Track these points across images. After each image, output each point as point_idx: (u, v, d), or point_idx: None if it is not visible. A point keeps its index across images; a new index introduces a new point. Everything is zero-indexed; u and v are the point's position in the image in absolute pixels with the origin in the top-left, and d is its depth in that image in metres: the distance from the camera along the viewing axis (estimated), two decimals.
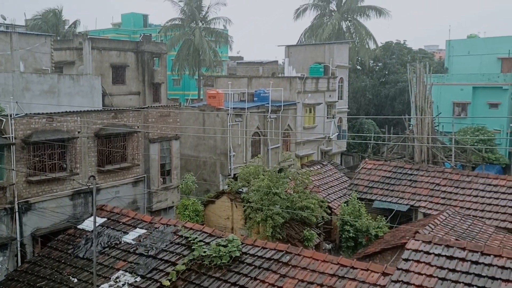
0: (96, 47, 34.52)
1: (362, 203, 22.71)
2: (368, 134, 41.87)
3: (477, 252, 11.87)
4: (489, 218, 20.26)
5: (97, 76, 24.31)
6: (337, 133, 38.91)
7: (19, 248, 17.14)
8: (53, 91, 20.73)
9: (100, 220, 17.77)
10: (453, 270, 11.49)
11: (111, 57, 36.20)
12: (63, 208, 18.29)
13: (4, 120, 16.40)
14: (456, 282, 11.19)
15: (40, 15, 51.16)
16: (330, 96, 38.29)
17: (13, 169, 16.62)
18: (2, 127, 16.41)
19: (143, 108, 22.58)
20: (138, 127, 21.06)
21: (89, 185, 18.19)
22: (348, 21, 51.78)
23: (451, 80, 44.91)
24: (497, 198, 21.27)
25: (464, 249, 12.05)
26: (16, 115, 16.89)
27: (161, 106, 25.18)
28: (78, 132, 18.74)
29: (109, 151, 20.00)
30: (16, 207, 16.88)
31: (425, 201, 22.50)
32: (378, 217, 22.36)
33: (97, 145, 19.53)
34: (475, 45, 48.90)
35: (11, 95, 18.49)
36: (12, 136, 16.53)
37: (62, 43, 36.74)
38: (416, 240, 12.85)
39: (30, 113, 17.50)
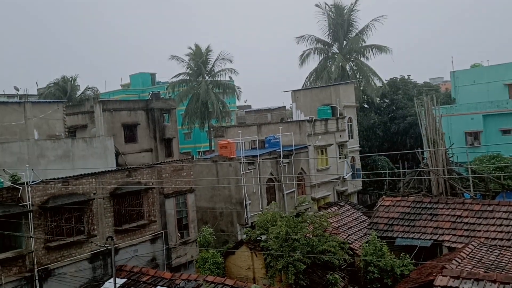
0: (107, 108, 35.26)
1: (383, 242, 22.27)
2: (382, 171, 41.54)
3: (508, 283, 11.50)
4: None
5: (109, 137, 24.68)
6: (351, 173, 38.68)
7: None
8: (68, 155, 21.06)
9: (120, 281, 17.60)
10: None
11: (122, 117, 36.84)
12: (82, 272, 18.17)
13: (21, 188, 16.61)
14: None
15: (53, 83, 52.87)
16: (340, 136, 38.38)
17: (32, 237, 16.67)
18: (19, 196, 16.60)
19: (156, 164, 22.78)
20: (152, 183, 21.18)
21: (108, 246, 18.17)
22: (351, 62, 52.57)
23: (460, 110, 44.87)
24: None
25: (494, 281, 11.69)
26: (32, 182, 17.11)
27: (174, 160, 25.39)
28: (94, 193, 18.89)
29: (125, 210, 20.05)
30: (36, 274, 16.80)
31: (448, 234, 22.03)
32: (401, 255, 21.84)
33: (113, 204, 19.60)
34: (480, 74, 49.10)
35: (26, 163, 18.80)
36: (29, 204, 16.69)
37: (74, 108, 37.62)
38: (443, 275, 12.52)
39: (46, 179, 17.73)
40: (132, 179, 20.41)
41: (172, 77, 56.20)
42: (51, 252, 17.34)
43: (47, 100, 35.71)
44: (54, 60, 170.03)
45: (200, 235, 24.55)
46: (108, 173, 19.81)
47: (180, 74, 55.30)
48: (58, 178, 18.02)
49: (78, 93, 55.38)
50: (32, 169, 17.71)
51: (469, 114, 43.75)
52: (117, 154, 30.88)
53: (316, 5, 52.30)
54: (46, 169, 19.47)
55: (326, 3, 52.36)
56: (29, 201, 16.69)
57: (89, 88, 56.26)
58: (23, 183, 16.80)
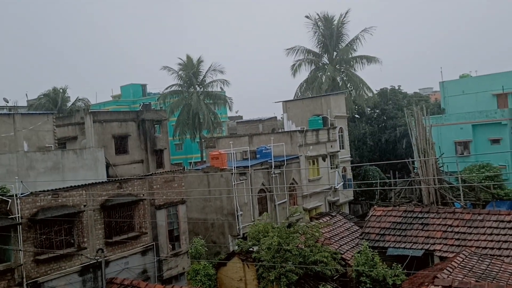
0: (97, 120, 35.15)
1: (375, 252, 22.28)
2: (373, 181, 41.67)
3: None
4: (507, 256, 19.80)
5: (100, 148, 24.58)
6: (342, 183, 38.76)
7: None
8: (57, 167, 20.92)
9: None
10: None
11: (112, 128, 36.74)
12: (72, 285, 17.95)
13: (10, 200, 16.44)
14: None
15: (43, 94, 52.58)
16: (331, 146, 38.50)
17: (21, 250, 16.47)
18: (8, 208, 16.42)
19: (147, 175, 22.68)
20: (143, 195, 21.06)
21: (98, 259, 18.01)
22: (341, 72, 52.91)
23: (450, 120, 45.29)
24: None
25: None
26: (21, 194, 16.94)
27: (165, 171, 25.32)
28: (84, 205, 18.73)
29: (116, 222, 19.90)
30: None
31: (440, 243, 22.09)
32: (393, 264, 21.85)
33: (104, 216, 19.45)
34: (469, 84, 49.70)
35: (16, 175, 18.64)
36: (18, 216, 16.51)
37: (64, 120, 37.46)
38: (435, 285, 12.55)
39: (36, 191, 17.57)
40: (123, 191, 20.29)
41: (165, 89, 56.25)
42: (41, 265, 17.13)
43: (37, 112, 35.51)
44: (44, 71, 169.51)
45: (191, 247, 24.40)
46: (99, 185, 19.68)
47: (172, 85, 55.40)
48: (48, 190, 17.86)
49: (69, 104, 55.12)
50: (22, 181, 17.56)
51: (459, 124, 44.15)
52: (108, 165, 30.74)
53: (306, 16, 52.78)
54: (36, 181, 19.32)
55: (317, 13, 52.82)
56: (18, 214, 16.51)
57: (79, 99, 56.03)
58: (12, 196, 16.63)
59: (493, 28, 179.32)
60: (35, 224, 17.06)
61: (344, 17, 51.81)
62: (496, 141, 42.46)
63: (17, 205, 16.54)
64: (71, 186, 18.71)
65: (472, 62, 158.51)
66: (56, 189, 18.16)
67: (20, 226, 16.55)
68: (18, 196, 16.71)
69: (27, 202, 16.99)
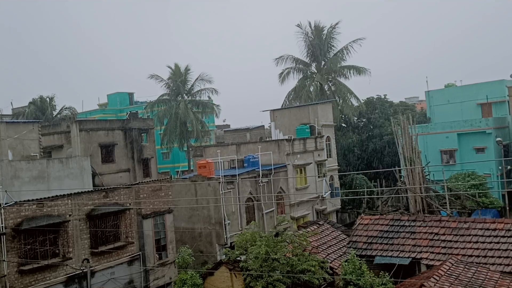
0: (84, 128, 34.87)
1: (363, 260, 22.30)
2: (360, 190, 41.83)
3: None
4: (493, 264, 19.94)
5: (86, 157, 24.39)
6: (330, 191, 38.84)
7: None
8: (43, 176, 20.70)
9: None
10: None
11: (99, 137, 36.48)
12: None
13: None
14: None
15: (29, 103, 52.11)
16: (319, 155, 38.61)
17: (4, 260, 16.21)
18: None
19: (134, 184, 22.52)
20: (130, 204, 20.90)
21: (83, 269, 17.79)
22: (329, 82, 53.19)
23: (436, 129, 45.74)
24: (497, 243, 21.05)
25: None
26: (5, 204, 16.71)
27: (152, 180, 25.15)
28: (70, 215, 18.53)
29: (102, 231, 19.70)
30: None
31: (426, 252, 22.18)
32: (381, 273, 21.88)
33: (89, 226, 19.25)
34: (454, 94, 50.35)
35: (0, 184, 18.39)
36: (2, 226, 16.27)
37: (50, 128, 37.10)
38: None
39: (20, 201, 17.33)
40: (109, 200, 20.11)
41: (155, 100, 56.01)
42: (25, 275, 16.87)
43: (22, 120, 35.15)
44: (30, 80, 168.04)
45: (178, 256, 24.21)
46: (84, 194, 19.50)
47: (163, 95, 55.29)
48: (33, 200, 17.65)
49: (55, 113, 54.63)
50: (6, 191, 17.35)
51: (444, 133, 44.61)
52: (94, 174, 30.44)
53: (297, 25, 53.04)
54: (20, 190, 19.08)
55: (309, 22, 53.14)
56: (2, 224, 16.28)
57: (66, 107, 55.57)
58: None
59: (478, 40, 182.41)
60: (20, 234, 16.82)
61: (335, 27, 52.21)
62: (481, 150, 42.97)
63: (1, 215, 16.31)
64: (56, 196, 18.50)
65: (457, 72, 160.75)
66: (41, 198, 17.95)
67: (4, 236, 16.30)
68: (2, 206, 16.48)
69: (11, 212, 16.75)
